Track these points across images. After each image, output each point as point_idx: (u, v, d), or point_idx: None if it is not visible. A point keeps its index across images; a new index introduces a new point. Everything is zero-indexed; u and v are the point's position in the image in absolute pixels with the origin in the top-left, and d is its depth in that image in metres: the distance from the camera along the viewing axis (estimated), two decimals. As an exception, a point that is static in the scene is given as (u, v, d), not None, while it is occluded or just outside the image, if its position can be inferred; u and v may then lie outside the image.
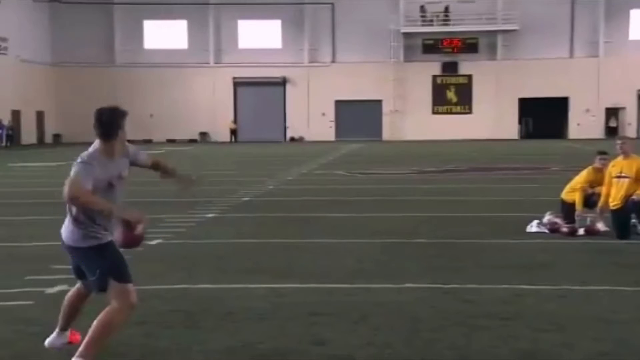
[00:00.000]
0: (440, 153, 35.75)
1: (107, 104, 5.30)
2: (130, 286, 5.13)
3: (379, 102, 56.91)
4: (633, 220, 10.80)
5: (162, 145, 47.63)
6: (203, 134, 57.42)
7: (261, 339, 5.96)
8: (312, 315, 6.66)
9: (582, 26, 55.52)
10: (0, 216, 13.85)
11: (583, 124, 55.26)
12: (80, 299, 5.54)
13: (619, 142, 11.32)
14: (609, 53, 55.06)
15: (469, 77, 56.81)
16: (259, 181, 20.48)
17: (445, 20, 56.35)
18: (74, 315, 5.58)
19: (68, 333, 5.64)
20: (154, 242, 10.16)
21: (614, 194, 10.92)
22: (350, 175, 23.22)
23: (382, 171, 24.43)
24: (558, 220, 11.36)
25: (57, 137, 56.15)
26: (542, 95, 55.09)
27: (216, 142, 55.02)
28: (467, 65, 56.51)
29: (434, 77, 57.01)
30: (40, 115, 55.18)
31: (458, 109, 57.13)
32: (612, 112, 55.98)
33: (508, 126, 55.86)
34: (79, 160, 5.02)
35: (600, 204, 11.23)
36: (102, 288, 5.12)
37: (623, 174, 10.89)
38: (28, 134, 53.10)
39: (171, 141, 54.71)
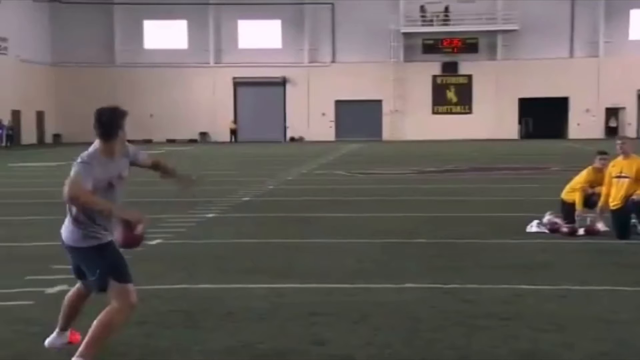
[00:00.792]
0: (440, 153, 35.74)
1: (107, 104, 5.30)
2: (130, 286, 5.13)
3: (379, 102, 56.88)
4: (633, 220, 10.80)
5: (162, 145, 47.62)
6: (203, 134, 57.39)
7: (261, 339, 5.96)
8: (312, 315, 6.66)
9: (582, 26, 55.49)
10: (0, 216, 13.85)
11: (583, 124, 55.23)
12: (80, 299, 5.54)
13: (619, 142, 11.32)
14: (609, 53, 55.02)
15: (469, 77, 56.78)
16: (259, 181, 20.47)
17: (445, 20, 56.32)
18: (74, 315, 5.58)
19: (68, 333, 5.64)
20: (154, 242, 10.15)
21: (614, 194, 10.91)
22: (350, 175, 23.21)
23: (382, 171, 24.42)
24: (558, 220, 11.36)
25: (57, 137, 56.13)
26: (542, 95, 55.06)
27: (216, 142, 54.97)
28: (467, 65, 56.48)
29: (434, 77, 56.98)
30: (40, 115, 55.15)
31: (458, 109, 57.10)
32: (612, 112, 55.95)
33: (508, 126, 55.83)
34: (78, 160, 5.02)
35: (600, 204, 11.22)
36: (102, 288, 5.12)
37: (623, 174, 10.89)
38: (28, 134, 53.06)
39: (171, 141, 54.68)
